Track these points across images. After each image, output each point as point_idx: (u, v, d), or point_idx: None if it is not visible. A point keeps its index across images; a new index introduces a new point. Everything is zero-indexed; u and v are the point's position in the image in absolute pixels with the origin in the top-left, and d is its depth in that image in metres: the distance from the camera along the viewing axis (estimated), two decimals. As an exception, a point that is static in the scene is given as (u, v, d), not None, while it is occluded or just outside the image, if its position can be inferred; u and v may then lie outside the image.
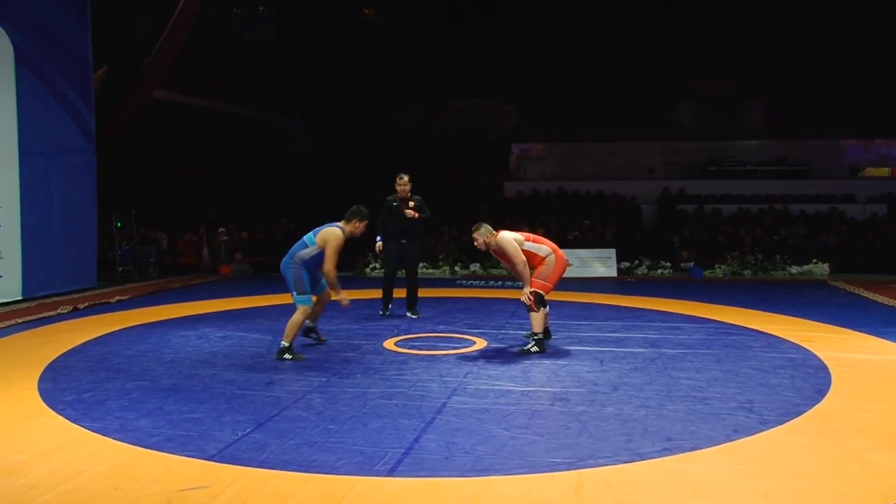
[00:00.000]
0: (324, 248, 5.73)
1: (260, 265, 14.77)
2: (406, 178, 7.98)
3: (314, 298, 5.94)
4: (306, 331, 6.29)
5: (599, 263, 13.52)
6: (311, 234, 5.89)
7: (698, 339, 6.59)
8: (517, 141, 21.53)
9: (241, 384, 4.90)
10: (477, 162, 20.37)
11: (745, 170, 19.39)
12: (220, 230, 14.71)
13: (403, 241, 7.98)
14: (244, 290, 11.06)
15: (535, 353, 5.90)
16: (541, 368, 5.39)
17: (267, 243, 15.49)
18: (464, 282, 12.41)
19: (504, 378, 5.07)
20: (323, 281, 5.96)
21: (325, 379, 5.05)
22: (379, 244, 8.07)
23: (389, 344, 6.39)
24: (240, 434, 3.79)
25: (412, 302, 8.15)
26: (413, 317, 8.00)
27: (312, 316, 6.22)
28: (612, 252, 13.69)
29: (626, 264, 13.85)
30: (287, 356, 5.71)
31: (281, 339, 5.81)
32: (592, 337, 6.71)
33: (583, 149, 20.36)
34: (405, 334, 6.90)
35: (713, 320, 7.69)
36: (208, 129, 17.65)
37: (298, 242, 5.91)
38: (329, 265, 5.71)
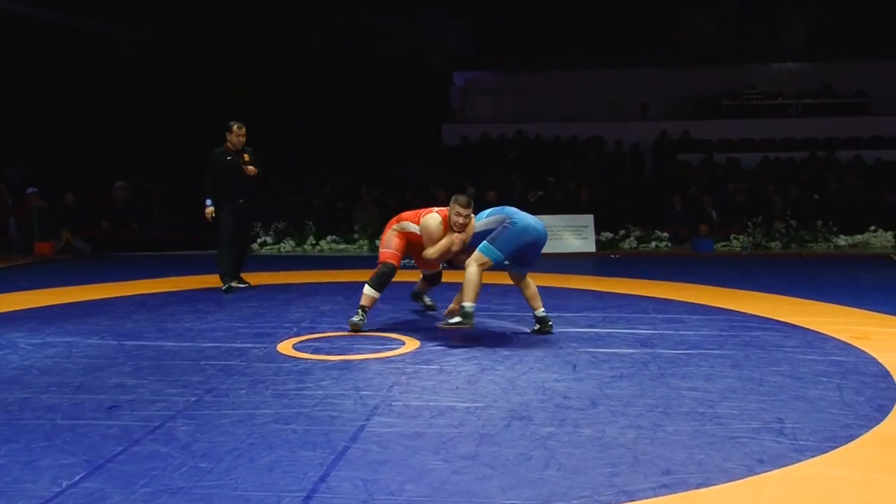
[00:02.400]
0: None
1: (100, 241, 14.46)
2: (244, 128, 9.24)
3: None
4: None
5: (572, 234, 13.70)
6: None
7: (707, 335, 6.72)
8: (462, 68, 21.52)
9: (68, 411, 4.75)
10: (407, 97, 20.27)
11: (776, 104, 19.70)
12: (30, 191, 14.28)
13: (241, 201, 9.26)
14: (73, 277, 10.79)
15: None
16: (492, 377, 5.41)
17: (110, 209, 15.17)
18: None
19: (443, 391, 5.08)
20: None
21: (194, 398, 4.96)
22: (210, 209, 9.14)
23: (285, 347, 6.33)
24: (65, 484, 3.67)
25: (238, 269, 9.48)
26: (240, 285, 9.39)
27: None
28: (588, 219, 13.88)
29: (609, 235, 14.09)
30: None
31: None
32: (562, 334, 6.77)
33: (551, 79, 20.49)
34: (307, 333, 6.86)
35: (727, 310, 7.85)
36: (15, 44, 16.96)
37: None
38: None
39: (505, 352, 6.12)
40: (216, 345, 6.47)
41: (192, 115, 18.21)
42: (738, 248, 13.64)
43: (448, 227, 6.78)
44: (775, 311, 7.71)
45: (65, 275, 11.04)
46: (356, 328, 6.83)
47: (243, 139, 9.24)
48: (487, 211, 6.77)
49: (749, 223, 13.89)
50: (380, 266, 6.99)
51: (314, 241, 14.92)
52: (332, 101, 20.14)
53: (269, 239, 15.05)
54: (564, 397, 4.91)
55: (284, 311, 8.02)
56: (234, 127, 9.19)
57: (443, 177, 16.98)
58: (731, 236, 13.98)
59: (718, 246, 13.72)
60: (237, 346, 6.40)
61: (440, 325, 6.64)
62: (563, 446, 4.05)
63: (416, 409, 4.68)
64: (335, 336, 6.77)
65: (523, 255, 6.61)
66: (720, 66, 20.06)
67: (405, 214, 7.20)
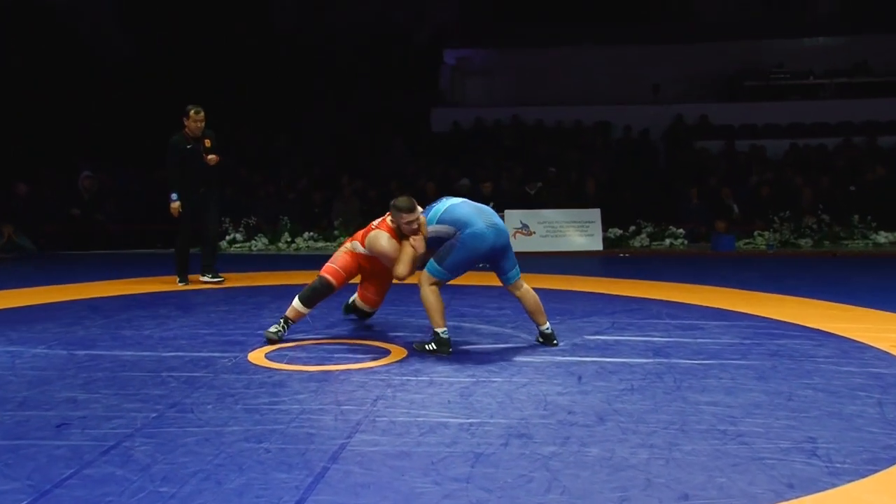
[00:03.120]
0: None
1: (49, 238, 14.42)
2: (203, 112, 9.47)
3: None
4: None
5: (576, 231, 13.72)
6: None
7: (728, 343, 6.73)
8: (453, 46, 21.49)
9: (10, 430, 4.73)
10: (391, 77, 20.24)
11: (805, 84, 19.62)
12: None
13: (202, 190, 9.64)
14: (17, 278, 10.78)
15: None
16: (488, 390, 5.41)
17: (59, 203, 15.13)
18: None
19: (433, 405, 5.07)
20: None
21: (154, 414, 4.94)
22: (176, 204, 9.45)
23: (257, 356, 6.31)
24: (7, 511, 3.67)
25: (209, 263, 9.97)
26: (212, 279, 9.86)
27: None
28: (595, 213, 13.91)
29: (618, 232, 14.11)
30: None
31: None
32: (567, 342, 6.78)
33: (551, 57, 20.47)
34: (281, 342, 6.84)
35: (751, 315, 7.86)
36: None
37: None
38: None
39: (502, 361, 6.11)
40: (179, 354, 6.45)
41: (149, 98, 18.17)
42: (764, 247, 13.67)
43: (399, 236, 6.67)
44: (805, 317, 7.72)
45: (7, 276, 11.01)
46: (272, 341, 6.73)
47: (202, 124, 9.43)
48: (437, 211, 6.58)
49: (775, 218, 13.89)
50: (316, 279, 6.86)
51: (289, 239, 14.92)
52: (307, 83, 20.09)
53: (238, 236, 15.05)
54: (568, 412, 4.91)
55: (256, 316, 7.98)
56: (192, 112, 9.38)
57: (432, 166, 16.98)
58: (756, 233, 14.00)
59: (741, 244, 13.76)
60: (203, 356, 6.38)
61: (415, 345, 6.60)
62: (568, 467, 4.04)
63: (403, 426, 4.66)
64: (313, 344, 6.76)
65: (493, 262, 6.57)
66: (742, 42, 19.97)
67: (359, 234, 7.08)
